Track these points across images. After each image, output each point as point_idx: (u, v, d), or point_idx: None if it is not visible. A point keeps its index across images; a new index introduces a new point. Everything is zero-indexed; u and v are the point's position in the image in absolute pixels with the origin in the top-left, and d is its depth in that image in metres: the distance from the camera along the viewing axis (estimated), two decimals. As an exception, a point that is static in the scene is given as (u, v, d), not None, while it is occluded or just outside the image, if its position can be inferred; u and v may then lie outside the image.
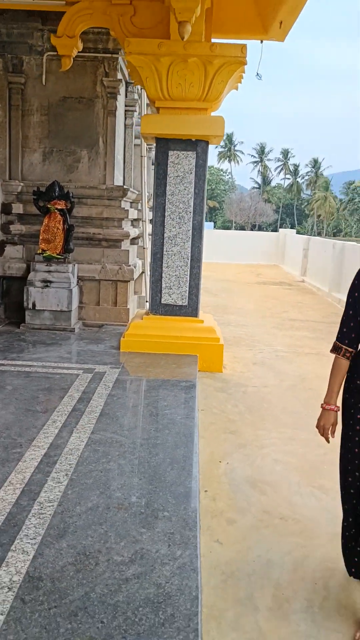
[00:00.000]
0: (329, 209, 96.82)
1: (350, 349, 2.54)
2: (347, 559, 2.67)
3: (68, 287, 6.74)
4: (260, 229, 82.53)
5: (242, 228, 77.50)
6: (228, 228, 72.02)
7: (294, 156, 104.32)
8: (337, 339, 2.59)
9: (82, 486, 3.11)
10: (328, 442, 2.66)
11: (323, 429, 2.65)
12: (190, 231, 6.02)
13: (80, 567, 2.42)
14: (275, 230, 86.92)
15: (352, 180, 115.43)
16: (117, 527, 2.73)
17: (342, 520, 2.67)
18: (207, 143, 5.93)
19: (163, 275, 6.10)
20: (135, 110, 8.49)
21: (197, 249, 6.08)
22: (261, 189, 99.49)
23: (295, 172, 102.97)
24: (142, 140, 8.07)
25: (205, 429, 4.41)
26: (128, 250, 7.24)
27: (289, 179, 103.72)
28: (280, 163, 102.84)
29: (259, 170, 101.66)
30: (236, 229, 72.33)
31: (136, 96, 8.47)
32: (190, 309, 6.16)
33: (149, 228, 8.42)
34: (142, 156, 8.23)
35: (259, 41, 6.78)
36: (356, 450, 2.56)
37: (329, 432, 2.64)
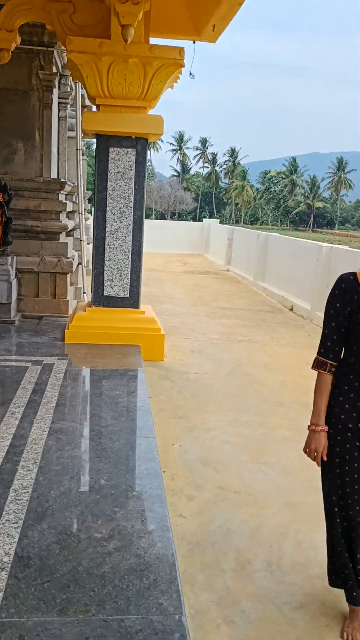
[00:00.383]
0: (246, 197, 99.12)
1: (334, 363, 2.42)
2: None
3: (7, 280, 6.77)
4: (180, 216, 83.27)
5: (162, 216, 77.88)
6: (148, 216, 72.10)
7: (212, 145, 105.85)
8: (320, 354, 2.44)
9: (52, 472, 3.30)
10: (318, 465, 2.51)
11: (315, 453, 2.46)
12: (131, 225, 6.22)
13: (65, 545, 2.63)
14: (195, 218, 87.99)
15: (267, 169, 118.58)
16: (92, 508, 2.96)
17: (332, 547, 2.52)
18: (146, 140, 6.14)
19: (105, 268, 6.28)
20: (69, 103, 8.54)
21: (138, 242, 6.30)
22: (180, 177, 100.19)
23: (213, 161, 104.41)
24: (77, 133, 8.16)
25: (156, 415, 4.67)
26: (67, 243, 7.35)
27: (207, 167, 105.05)
28: (198, 152, 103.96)
29: (178, 159, 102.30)
30: (156, 217, 72.61)
31: (69, 89, 8.52)
32: (132, 301, 6.39)
33: (85, 220, 8.52)
34: (77, 149, 8.31)
35: (192, 41, 7.03)
36: (346, 467, 2.41)
37: (322, 455, 2.45)
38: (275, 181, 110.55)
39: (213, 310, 9.77)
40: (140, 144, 6.11)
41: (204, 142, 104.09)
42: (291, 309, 10.36)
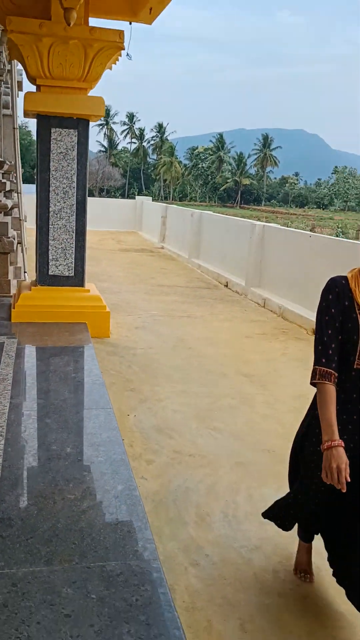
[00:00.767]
0: (174, 174, 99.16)
1: (336, 373, 2.22)
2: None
3: None
4: (108, 193, 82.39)
5: (91, 192, 76.75)
6: (77, 192, 70.50)
7: (139, 120, 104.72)
8: (322, 364, 2.22)
9: (19, 444, 3.49)
10: (344, 490, 2.16)
11: (338, 471, 2.13)
12: (75, 205, 6.34)
13: (42, 507, 2.85)
14: (123, 194, 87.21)
15: (195, 145, 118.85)
16: (62, 473, 3.18)
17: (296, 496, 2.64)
18: (87, 121, 6.24)
19: (49, 247, 6.39)
20: (2, 80, 8.43)
21: (82, 222, 6.44)
22: (108, 152, 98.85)
23: (141, 137, 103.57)
24: (13, 111, 8.10)
25: (108, 388, 4.88)
26: (7, 222, 7.36)
27: (135, 143, 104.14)
28: (126, 127, 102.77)
29: (105, 134, 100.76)
30: (85, 194, 71.33)
31: (2, 65, 8.41)
32: (77, 279, 6.54)
33: (23, 199, 8.50)
34: (14, 128, 8.24)
35: (128, 22, 7.12)
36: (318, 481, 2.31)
37: (346, 474, 2.14)
38: (203, 157, 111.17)
39: (152, 288, 10.01)
40: (81, 124, 6.21)
41: (131, 117, 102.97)
42: (226, 285, 10.75)
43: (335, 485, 2.16)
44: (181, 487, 3.46)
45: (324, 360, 2.22)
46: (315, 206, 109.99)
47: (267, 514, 2.86)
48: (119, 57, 6.33)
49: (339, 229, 50.30)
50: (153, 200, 22.28)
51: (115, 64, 6.48)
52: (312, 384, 2.28)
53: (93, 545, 2.58)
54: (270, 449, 4.06)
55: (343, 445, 2.17)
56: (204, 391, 5.11)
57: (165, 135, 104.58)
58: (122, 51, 6.05)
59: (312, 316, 7.64)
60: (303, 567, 2.78)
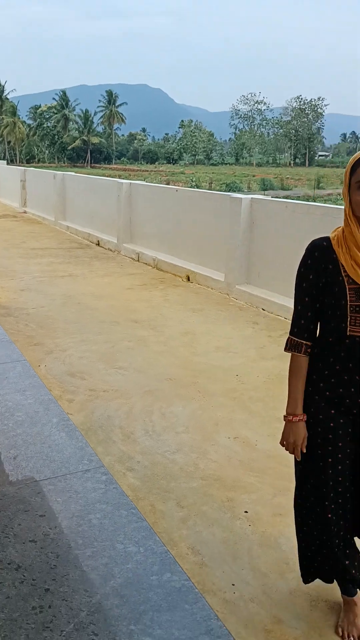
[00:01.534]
0: (19, 135, 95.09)
1: (309, 343, 2.11)
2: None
3: None
4: None
5: None
6: None
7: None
8: (293, 333, 2.12)
9: None
10: (299, 458, 2.16)
11: (294, 446, 2.13)
12: None
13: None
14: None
15: (38, 104, 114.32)
16: (2, 425, 3.56)
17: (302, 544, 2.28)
18: None
19: None
20: None
21: None
22: None
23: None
24: None
25: (13, 346, 5.22)
26: None
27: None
28: None
29: None
30: None
31: None
32: None
33: None
34: None
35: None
36: (330, 471, 2.10)
37: (302, 447, 2.13)
38: (47, 116, 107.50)
39: (26, 252, 10.14)
40: None
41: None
42: (98, 244, 11.13)
43: (291, 453, 2.18)
44: (103, 415, 3.98)
45: (295, 330, 2.12)
46: (165, 161, 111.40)
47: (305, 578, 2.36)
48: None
49: (193, 182, 51.81)
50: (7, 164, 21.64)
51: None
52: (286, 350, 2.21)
53: (47, 464, 3.05)
54: (171, 378, 4.68)
55: (305, 419, 2.13)
56: (101, 338, 5.59)
57: (4, 94, 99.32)
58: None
59: (184, 264, 8.34)
60: (350, 629, 2.26)
